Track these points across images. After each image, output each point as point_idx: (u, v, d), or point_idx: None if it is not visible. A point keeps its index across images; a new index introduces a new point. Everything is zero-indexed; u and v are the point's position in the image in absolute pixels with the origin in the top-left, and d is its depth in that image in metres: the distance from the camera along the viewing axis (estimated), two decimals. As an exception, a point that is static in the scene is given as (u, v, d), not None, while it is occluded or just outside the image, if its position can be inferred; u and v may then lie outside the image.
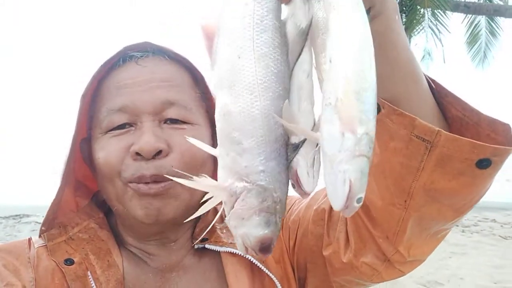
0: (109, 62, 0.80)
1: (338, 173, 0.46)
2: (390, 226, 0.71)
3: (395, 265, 0.76)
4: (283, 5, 0.52)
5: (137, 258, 0.83)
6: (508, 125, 0.61)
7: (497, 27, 11.25)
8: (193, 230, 0.88)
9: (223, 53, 0.51)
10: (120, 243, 0.84)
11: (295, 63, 0.52)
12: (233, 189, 0.50)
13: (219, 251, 0.83)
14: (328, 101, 0.47)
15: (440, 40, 10.18)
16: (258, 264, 0.82)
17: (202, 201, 0.53)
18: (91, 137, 0.81)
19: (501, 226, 7.23)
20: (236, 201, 0.50)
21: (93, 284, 0.75)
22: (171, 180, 0.72)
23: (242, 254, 0.81)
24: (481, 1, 10.49)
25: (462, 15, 10.99)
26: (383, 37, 0.58)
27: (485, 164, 0.60)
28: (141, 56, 0.80)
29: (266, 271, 0.83)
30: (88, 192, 0.89)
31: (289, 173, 0.52)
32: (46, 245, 0.80)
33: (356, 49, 0.47)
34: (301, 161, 0.51)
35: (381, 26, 0.57)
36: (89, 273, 0.76)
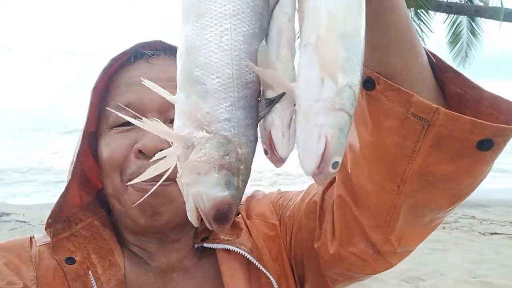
0: (120, 57, 0.80)
1: (313, 127, 0.39)
2: (381, 213, 0.66)
3: (385, 256, 0.71)
4: None
5: (138, 258, 0.82)
6: (511, 102, 0.56)
7: (478, 28, 11.45)
8: (196, 229, 0.86)
9: None
10: (122, 242, 0.83)
11: (275, 4, 0.45)
12: (190, 139, 0.41)
13: (216, 249, 0.82)
14: (308, 41, 0.40)
15: (423, 39, 10.29)
16: (255, 262, 0.80)
17: (152, 159, 0.44)
18: (98, 131, 0.81)
19: (480, 222, 7.34)
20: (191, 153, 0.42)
21: (94, 284, 0.74)
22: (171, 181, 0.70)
23: (237, 251, 0.79)
24: (463, 2, 10.65)
25: (444, 15, 11.15)
26: (381, 2, 0.52)
27: (487, 146, 0.55)
28: (152, 55, 0.80)
29: (263, 269, 0.80)
30: (92, 188, 0.86)
31: (261, 136, 0.45)
32: (47, 243, 0.79)
33: None
34: (276, 120, 0.44)
35: None
36: (90, 272, 0.75)
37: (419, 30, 10.26)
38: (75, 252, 0.77)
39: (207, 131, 0.41)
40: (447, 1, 10.46)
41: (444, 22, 11.44)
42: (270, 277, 0.80)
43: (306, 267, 0.85)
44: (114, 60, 0.79)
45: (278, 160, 0.45)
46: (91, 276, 0.75)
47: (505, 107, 0.56)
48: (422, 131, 0.56)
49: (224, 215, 0.42)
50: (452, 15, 11.11)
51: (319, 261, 0.80)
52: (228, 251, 0.81)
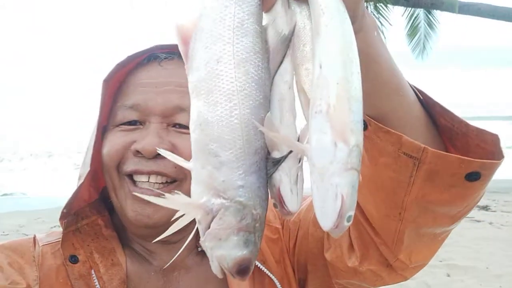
0: (136, 57, 0.81)
1: (329, 187, 0.43)
2: (388, 236, 0.71)
3: (398, 270, 0.75)
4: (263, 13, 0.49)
5: (140, 257, 0.83)
6: (496, 135, 0.61)
7: (434, 20, 11.90)
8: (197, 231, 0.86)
9: (201, 57, 0.47)
10: (124, 241, 0.84)
11: (275, 72, 0.49)
12: (209, 207, 0.46)
13: None
14: (318, 108, 0.44)
15: (382, 32, 10.58)
16: (259, 264, 0.82)
17: (173, 219, 0.48)
18: (107, 126, 0.82)
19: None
20: (212, 219, 0.46)
21: (97, 283, 0.76)
22: (173, 182, 0.76)
23: None
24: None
25: (402, 8, 11.50)
26: (363, 53, 0.55)
27: (475, 177, 0.60)
28: (165, 58, 0.81)
29: (267, 271, 0.82)
30: (100, 185, 0.88)
31: (271, 192, 0.49)
32: (50, 243, 0.81)
33: (347, 56, 0.44)
34: (284, 178, 0.48)
35: (361, 43, 0.54)
36: (92, 271, 0.77)
37: (378, 23, 10.55)
38: (79, 249, 0.79)
39: (223, 198, 0.46)
40: (404, -6, 10.77)
41: (402, 15, 11.80)
42: (274, 279, 0.83)
43: (310, 272, 0.87)
44: (130, 58, 0.80)
45: (288, 213, 0.49)
46: (93, 275, 0.77)
47: (491, 139, 0.61)
48: (414, 167, 0.61)
49: (245, 269, 0.48)
50: (410, 8, 11.48)
51: (329, 269, 0.83)
52: None
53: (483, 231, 6.32)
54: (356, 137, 0.44)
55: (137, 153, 0.76)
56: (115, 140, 0.78)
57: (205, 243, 0.47)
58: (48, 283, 0.75)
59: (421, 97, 0.65)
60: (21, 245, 0.80)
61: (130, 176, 0.77)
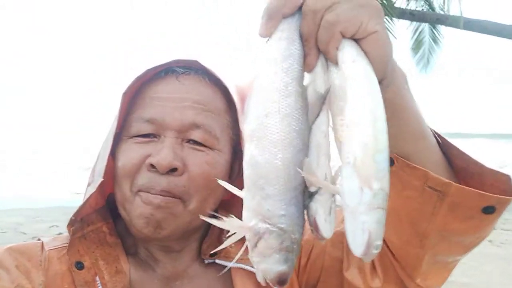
0: (154, 69, 0.83)
1: (358, 223, 0.53)
2: (407, 262, 0.78)
3: None
4: (305, 72, 0.60)
5: (144, 265, 0.86)
6: (508, 176, 0.69)
7: (439, 35, 12.06)
8: (200, 242, 0.90)
9: (254, 112, 0.59)
10: (128, 249, 0.86)
11: (313, 122, 0.60)
12: (257, 229, 0.57)
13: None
14: (347, 160, 0.55)
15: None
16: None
17: (228, 235, 0.58)
18: (120, 135, 0.84)
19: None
20: (258, 240, 0.57)
21: None
22: (178, 198, 0.79)
23: (251, 270, 0.85)
24: (425, 10, 11.17)
25: (407, 22, 11.64)
26: (394, 103, 0.65)
27: (490, 211, 0.69)
28: (183, 73, 0.83)
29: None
30: (106, 191, 0.89)
31: (308, 220, 0.60)
32: (56, 248, 0.83)
33: (371, 116, 0.55)
34: (319, 210, 0.58)
35: (392, 95, 0.64)
36: (97, 278, 0.79)
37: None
38: (84, 256, 0.81)
39: (268, 223, 0.57)
40: (409, 8, 10.91)
41: (407, 28, 11.94)
42: None
43: None
44: (148, 70, 0.82)
45: (322, 239, 0.60)
46: (98, 282, 0.79)
47: (504, 179, 0.69)
48: (438, 200, 0.69)
49: (284, 280, 0.58)
50: (415, 23, 11.61)
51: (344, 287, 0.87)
52: (241, 268, 0.85)
53: (482, 248, 6.22)
54: (381, 182, 0.54)
55: (151, 167, 0.77)
56: (131, 154, 0.80)
57: (253, 257, 0.58)
58: None
59: (440, 140, 0.73)
60: (29, 249, 0.82)
61: (140, 190, 0.79)
